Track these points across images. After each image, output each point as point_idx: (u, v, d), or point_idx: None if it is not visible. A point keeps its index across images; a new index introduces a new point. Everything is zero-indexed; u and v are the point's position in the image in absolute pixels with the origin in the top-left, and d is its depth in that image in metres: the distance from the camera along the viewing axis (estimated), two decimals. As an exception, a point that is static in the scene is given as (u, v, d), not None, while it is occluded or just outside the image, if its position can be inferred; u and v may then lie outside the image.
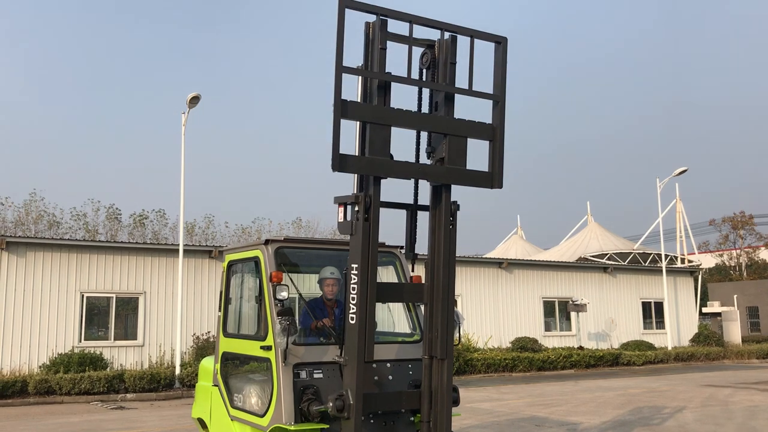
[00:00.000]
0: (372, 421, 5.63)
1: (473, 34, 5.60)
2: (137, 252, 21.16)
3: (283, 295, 5.64)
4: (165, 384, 17.81)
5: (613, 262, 34.33)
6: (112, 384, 17.17)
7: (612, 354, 25.97)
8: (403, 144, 5.79)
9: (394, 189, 5.64)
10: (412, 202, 5.83)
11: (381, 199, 5.36)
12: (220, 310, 6.87)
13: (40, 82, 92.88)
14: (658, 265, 33.51)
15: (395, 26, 5.46)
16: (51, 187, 72.62)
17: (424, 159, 5.80)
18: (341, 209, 5.53)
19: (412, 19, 5.44)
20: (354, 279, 5.33)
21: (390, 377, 5.87)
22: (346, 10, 5.09)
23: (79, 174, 72.04)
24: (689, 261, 41.34)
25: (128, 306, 20.79)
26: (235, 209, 77.68)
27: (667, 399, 15.38)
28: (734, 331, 35.27)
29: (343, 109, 5.08)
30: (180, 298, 19.21)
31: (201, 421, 7.23)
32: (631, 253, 39.87)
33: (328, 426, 5.48)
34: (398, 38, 5.47)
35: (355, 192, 5.45)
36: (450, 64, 5.62)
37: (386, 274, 6.79)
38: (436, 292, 5.59)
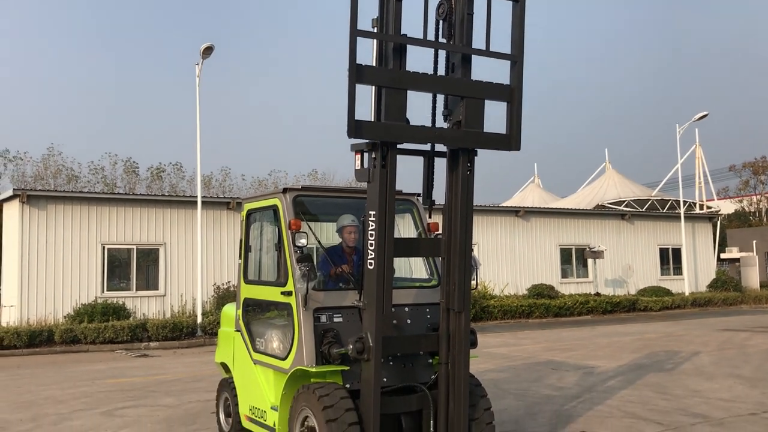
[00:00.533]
0: (391, 363, 5.74)
1: None
2: (156, 204, 21.37)
3: (302, 242, 5.71)
4: (187, 332, 18.18)
5: (631, 209, 34.19)
6: (136, 333, 17.55)
7: (629, 300, 26.07)
8: (419, 105, 5.76)
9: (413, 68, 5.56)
10: (429, 149, 5.82)
11: (398, 146, 5.37)
12: (240, 258, 6.97)
13: (54, 36, 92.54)
14: (677, 211, 33.33)
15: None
16: (68, 141, 73.04)
17: (440, 121, 5.75)
18: (358, 157, 5.54)
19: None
20: (372, 226, 5.38)
21: (408, 321, 5.96)
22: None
23: (96, 128, 72.27)
24: (708, 207, 41.09)
25: (149, 257, 21.09)
26: (252, 162, 77.83)
27: (683, 343, 15.50)
28: (752, 277, 35.24)
29: (358, 74, 5.02)
30: (200, 249, 19.45)
31: (224, 366, 7.41)
32: (650, 199, 39.66)
33: (348, 368, 5.60)
34: None
35: (375, 65, 5.41)
36: (467, 15, 5.49)
37: (404, 224, 6.83)
38: (454, 246, 5.63)
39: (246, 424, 6.69)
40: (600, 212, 31.58)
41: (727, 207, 54.57)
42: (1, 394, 10.53)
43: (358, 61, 5.01)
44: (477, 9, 5.52)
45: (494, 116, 5.73)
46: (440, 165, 5.82)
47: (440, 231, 6.05)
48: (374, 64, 5.42)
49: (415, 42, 5.39)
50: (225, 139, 72.47)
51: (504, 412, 8.30)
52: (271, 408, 6.13)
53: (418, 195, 6.62)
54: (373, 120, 5.27)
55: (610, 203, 39.37)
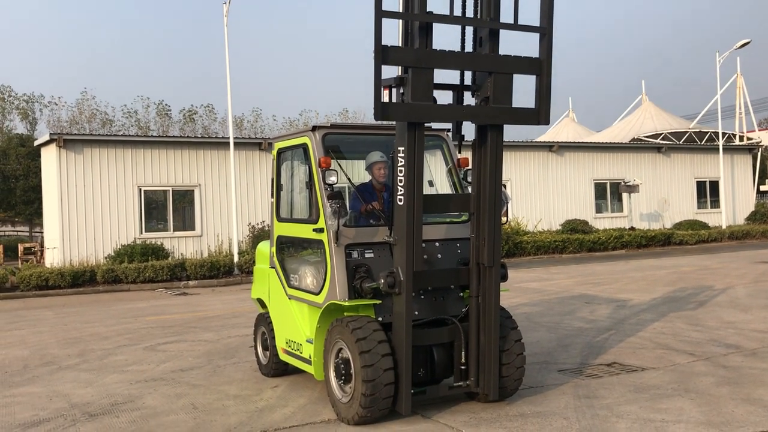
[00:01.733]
0: (422, 297, 5.84)
1: None
2: (190, 146, 21.58)
3: (332, 179, 5.76)
4: (224, 271, 18.58)
5: (668, 142, 33.55)
6: (174, 272, 18.00)
7: (664, 234, 25.85)
8: (447, 76, 5.67)
9: (439, 43, 5.55)
10: (458, 82, 5.77)
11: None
12: (272, 197, 7.06)
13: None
14: (715, 143, 32.62)
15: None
16: (101, 85, 73.49)
17: (467, 96, 5.70)
18: (386, 92, 5.51)
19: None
20: (401, 162, 5.40)
21: (439, 255, 6.03)
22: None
23: (128, 72, 72.50)
24: (748, 138, 40.12)
25: (185, 198, 21.43)
26: (283, 102, 77.65)
27: (719, 276, 15.40)
28: (792, 209, 34.52)
29: (384, 55, 4.99)
30: (234, 190, 19.68)
31: (260, 301, 7.60)
32: (687, 132, 38.85)
33: (380, 302, 5.71)
34: None
35: (400, 74, 5.42)
36: None
37: (434, 161, 6.82)
38: (483, 203, 5.63)
39: (283, 356, 6.90)
40: (635, 146, 31.06)
41: (768, 138, 53.13)
42: (50, 331, 10.96)
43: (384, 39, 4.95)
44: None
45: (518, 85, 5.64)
46: (468, 98, 5.78)
47: (470, 166, 6.05)
48: (400, 43, 5.33)
49: (442, 19, 5.31)
50: (255, 81, 72.26)
51: (536, 344, 8.42)
52: (307, 341, 6.31)
53: (448, 130, 6.60)
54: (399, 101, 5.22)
55: (647, 136, 38.66)
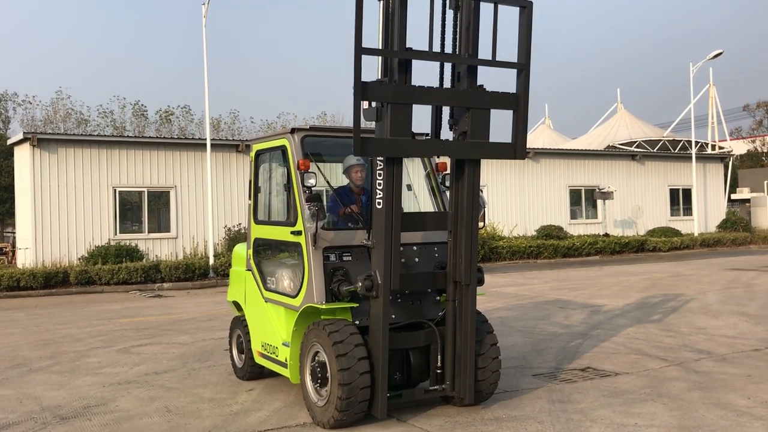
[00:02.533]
0: (399, 300, 5.85)
1: (497, 0, 5.47)
2: (166, 147, 21.41)
3: (311, 182, 5.75)
4: (199, 273, 18.44)
5: (642, 150, 33.96)
6: (149, 274, 17.83)
7: (637, 240, 26.15)
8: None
9: (419, 74, 5.61)
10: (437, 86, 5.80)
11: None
12: (250, 199, 7.03)
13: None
14: (688, 152, 33.08)
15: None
16: (76, 84, 72.68)
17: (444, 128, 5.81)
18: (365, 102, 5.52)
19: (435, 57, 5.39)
20: (380, 165, 5.41)
21: (416, 259, 6.05)
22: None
23: (103, 71, 71.77)
24: (720, 147, 40.77)
25: (160, 200, 21.26)
26: (260, 105, 77.37)
27: (690, 282, 15.61)
28: (763, 217, 35.18)
29: (363, 92, 5.07)
30: (210, 191, 19.56)
31: (236, 304, 7.56)
32: (661, 140, 39.40)
33: (357, 305, 5.71)
34: None
35: (380, 78, 5.44)
36: (473, 22, 5.46)
37: (412, 166, 6.84)
38: (460, 220, 5.68)
39: (258, 359, 6.87)
40: (610, 153, 31.40)
41: (740, 147, 54.06)
42: (21, 333, 10.80)
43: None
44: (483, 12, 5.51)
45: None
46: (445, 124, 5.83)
47: (447, 171, 6.09)
48: (379, 76, 5.40)
49: (421, 56, 5.40)
50: (233, 82, 71.94)
51: (511, 349, 8.47)
52: (283, 344, 6.29)
53: (427, 135, 6.63)
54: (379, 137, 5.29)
55: (621, 144, 39.12)
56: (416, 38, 5.38)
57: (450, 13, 5.61)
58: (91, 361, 8.50)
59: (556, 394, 6.45)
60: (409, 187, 6.83)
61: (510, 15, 5.68)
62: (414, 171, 6.90)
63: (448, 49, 5.66)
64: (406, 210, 5.91)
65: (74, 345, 9.62)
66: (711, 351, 8.20)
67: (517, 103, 5.64)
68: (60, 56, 76.21)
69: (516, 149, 5.68)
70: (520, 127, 5.67)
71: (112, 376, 7.65)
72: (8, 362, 8.56)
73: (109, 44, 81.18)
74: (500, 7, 5.53)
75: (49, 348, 9.43)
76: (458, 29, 5.58)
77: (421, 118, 5.81)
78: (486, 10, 5.56)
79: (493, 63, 5.55)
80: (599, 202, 28.73)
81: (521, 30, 5.58)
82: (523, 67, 5.60)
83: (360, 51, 5.00)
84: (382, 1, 5.33)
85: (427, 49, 5.57)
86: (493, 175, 26.37)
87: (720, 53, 29.29)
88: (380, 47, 5.39)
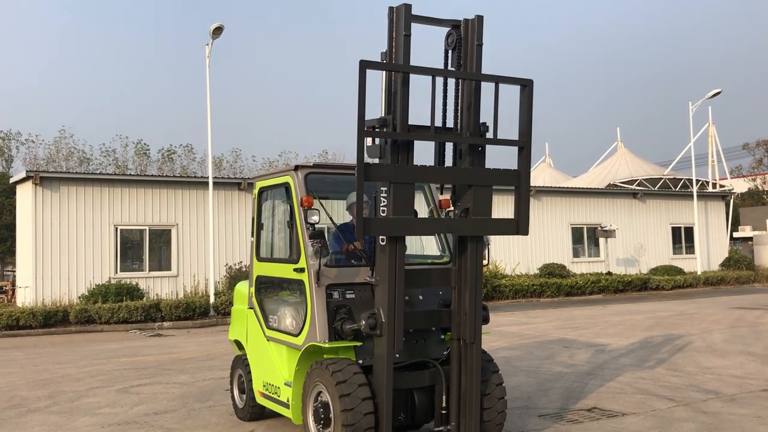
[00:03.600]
0: (403, 339, 5.76)
1: (497, 80, 5.56)
2: (168, 185, 21.46)
3: (315, 219, 5.72)
4: (200, 312, 18.31)
5: (643, 188, 34.01)
6: (149, 313, 17.70)
7: (640, 279, 26.01)
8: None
9: (420, 106, 5.61)
10: (440, 124, 5.81)
11: (409, 122, 5.36)
12: (252, 236, 7.00)
13: (65, 18, 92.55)
14: (689, 190, 33.14)
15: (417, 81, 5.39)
16: (79, 124, 73.25)
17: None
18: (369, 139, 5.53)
19: (434, 73, 5.45)
20: (383, 202, 5.39)
21: (420, 297, 5.98)
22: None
23: (107, 110, 72.42)
24: (721, 186, 40.84)
25: (161, 238, 21.22)
26: (262, 144, 77.87)
27: (695, 321, 15.48)
28: (765, 255, 35.03)
29: (366, 173, 5.12)
30: (212, 230, 19.53)
31: (238, 343, 7.48)
32: (662, 178, 39.49)
33: (361, 344, 5.63)
34: (423, 20, 5.41)
35: (383, 115, 5.45)
36: (474, 101, 5.54)
37: (415, 201, 6.82)
38: (464, 275, 5.65)
39: (260, 400, 6.76)
40: (611, 191, 31.43)
41: (741, 185, 54.18)
42: (19, 372, 10.67)
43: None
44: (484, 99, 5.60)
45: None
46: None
47: (451, 207, 6.06)
48: (382, 114, 5.42)
49: (423, 137, 5.46)
50: (235, 121, 72.50)
51: (516, 389, 8.34)
52: (285, 384, 6.19)
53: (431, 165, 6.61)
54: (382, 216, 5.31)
55: (622, 182, 39.21)
56: (418, 109, 5.46)
57: (452, 90, 5.65)
58: (90, 401, 8.38)
59: (563, 435, 6.33)
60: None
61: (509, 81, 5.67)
62: (418, 205, 6.87)
63: (449, 119, 5.71)
64: (409, 251, 5.85)
65: (73, 385, 9.49)
66: (719, 391, 8.07)
67: (519, 179, 5.69)
68: (63, 95, 76.99)
69: (519, 225, 5.72)
70: (522, 203, 5.72)
71: (112, 416, 7.52)
72: (6, 402, 8.43)
73: (113, 84, 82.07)
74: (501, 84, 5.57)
75: (48, 388, 9.31)
76: (460, 107, 5.65)
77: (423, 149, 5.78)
78: (486, 87, 5.61)
79: (495, 141, 5.63)
80: (601, 240, 28.67)
81: (522, 108, 5.66)
82: (524, 144, 5.67)
83: (363, 133, 5.07)
84: (384, 79, 5.37)
85: (428, 124, 5.60)
86: (495, 213, 26.22)
87: (719, 92, 29.51)
88: (383, 113, 5.40)
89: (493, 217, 5.67)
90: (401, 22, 5.24)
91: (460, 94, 5.64)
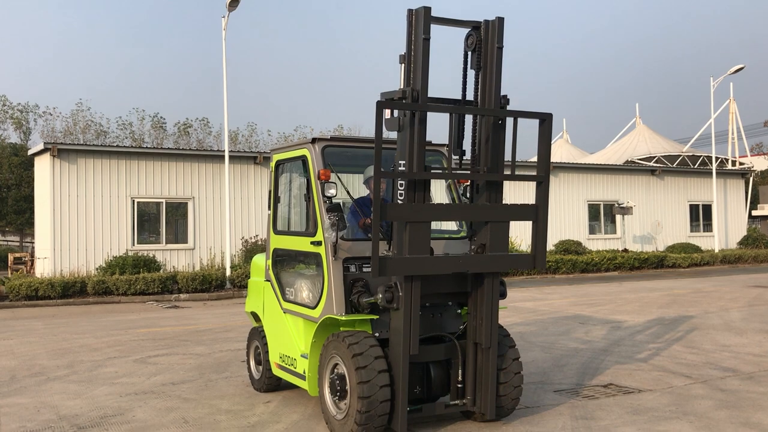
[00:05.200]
0: (420, 313, 5.76)
1: (517, 115, 5.52)
2: (184, 158, 21.51)
3: (332, 192, 5.69)
4: (216, 285, 18.43)
5: (661, 165, 33.69)
6: (166, 285, 17.84)
7: (657, 256, 25.86)
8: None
9: (441, 84, 5.56)
10: (460, 97, 5.74)
11: (428, 95, 5.30)
12: (269, 209, 6.99)
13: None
14: (708, 167, 32.77)
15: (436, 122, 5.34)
16: (96, 97, 73.45)
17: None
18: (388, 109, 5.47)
19: (452, 110, 5.50)
20: (401, 189, 5.34)
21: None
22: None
23: (123, 83, 72.52)
24: (741, 163, 40.34)
25: (177, 211, 21.32)
26: (278, 118, 77.75)
27: (712, 299, 15.38)
28: (784, 234, 34.66)
29: (382, 212, 5.10)
30: (228, 203, 19.59)
31: (254, 315, 7.51)
32: (680, 155, 39.06)
33: (377, 317, 5.63)
34: (443, 21, 5.35)
35: (402, 87, 5.38)
36: (492, 143, 5.51)
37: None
38: (479, 311, 5.60)
39: (276, 371, 6.80)
40: (629, 168, 31.15)
41: (761, 163, 53.51)
42: (39, 342, 10.81)
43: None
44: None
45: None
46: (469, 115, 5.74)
47: (468, 183, 6.02)
48: (401, 85, 5.38)
49: (440, 176, 5.61)
50: (251, 96, 72.39)
51: (531, 364, 8.34)
52: (301, 356, 6.21)
53: (448, 146, 6.56)
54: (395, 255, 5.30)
55: (640, 159, 38.84)
56: (436, 132, 5.40)
57: (474, 38, 5.54)
58: (108, 370, 8.47)
59: (579, 410, 6.32)
60: (429, 199, 6.76)
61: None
62: (434, 181, 6.82)
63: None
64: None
65: (91, 354, 9.60)
66: (737, 369, 8.02)
67: (537, 214, 5.65)
68: (80, 69, 77.14)
69: (536, 260, 5.69)
70: (540, 237, 5.67)
71: (129, 386, 7.60)
72: (26, 371, 8.55)
73: (129, 57, 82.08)
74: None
75: (67, 357, 9.42)
76: (477, 140, 5.60)
77: (438, 125, 5.74)
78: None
79: (514, 177, 5.60)
80: (618, 217, 28.48)
81: (541, 142, 5.62)
82: (542, 179, 5.64)
83: (379, 174, 5.06)
84: (399, 118, 5.31)
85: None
86: (512, 189, 26.21)
87: (741, 68, 29.04)
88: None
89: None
90: (420, 25, 5.17)
91: (478, 127, 5.60)
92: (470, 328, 5.72)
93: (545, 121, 5.55)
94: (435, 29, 5.26)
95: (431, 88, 5.27)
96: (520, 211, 5.69)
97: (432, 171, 5.99)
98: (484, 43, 5.48)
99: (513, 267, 5.73)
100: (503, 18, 5.48)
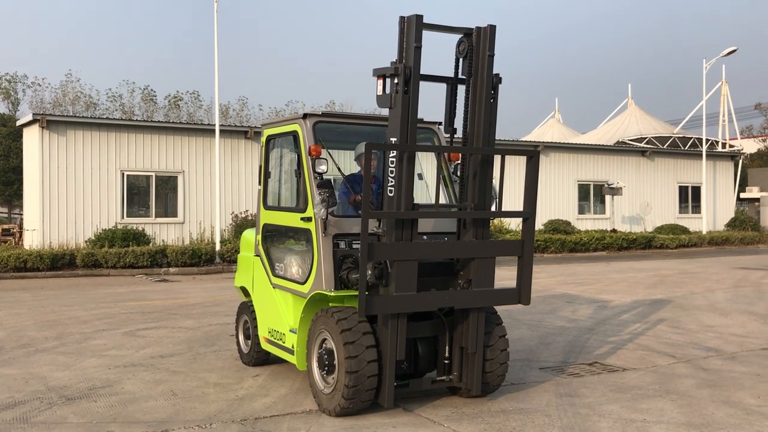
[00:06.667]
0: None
1: (505, 152, 5.63)
2: (174, 132, 21.39)
3: (322, 168, 5.70)
4: (206, 259, 18.44)
5: (652, 146, 33.78)
6: (155, 258, 17.83)
7: (645, 237, 26.02)
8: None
9: (434, 61, 5.56)
10: (452, 75, 5.74)
11: (421, 72, 5.29)
12: (260, 184, 6.98)
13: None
14: (698, 149, 32.90)
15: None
16: (86, 68, 72.68)
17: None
18: (380, 82, 5.47)
19: (439, 150, 5.69)
20: (392, 153, 5.35)
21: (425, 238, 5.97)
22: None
23: (113, 55, 71.75)
24: (731, 146, 40.50)
25: (167, 185, 21.24)
26: (269, 92, 77.24)
27: (699, 280, 15.53)
28: (771, 217, 34.94)
29: (369, 253, 5.08)
30: (218, 177, 19.52)
31: (244, 290, 7.53)
32: (671, 137, 39.14)
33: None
34: (435, 28, 5.36)
35: (395, 64, 5.37)
36: (480, 179, 5.53)
37: (424, 154, 6.77)
38: (466, 345, 5.68)
39: (265, 345, 6.85)
40: (620, 149, 31.24)
41: (750, 146, 53.73)
42: (27, 313, 10.81)
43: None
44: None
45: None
46: (462, 91, 5.74)
47: (459, 161, 6.03)
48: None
49: (428, 214, 5.56)
50: (242, 70, 71.80)
51: (518, 342, 8.42)
52: (290, 331, 6.25)
53: (440, 123, 6.57)
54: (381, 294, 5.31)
55: (631, 140, 38.91)
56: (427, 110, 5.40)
57: (465, 44, 5.54)
58: (97, 343, 8.50)
59: (564, 387, 6.41)
60: (420, 176, 6.77)
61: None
62: (425, 159, 6.84)
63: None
64: (416, 201, 5.85)
65: (80, 327, 9.62)
66: (720, 349, 8.14)
67: (522, 249, 5.69)
68: (70, 39, 76.24)
69: (521, 295, 5.74)
70: (525, 272, 5.72)
71: (118, 358, 7.64)
72: (14, 342, 8.56)
73: (120, 28, 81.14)
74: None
75: (56, 329, 9.44)
76: (466, 176, 5.61)
77: (430, 102, 5.73)
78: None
79: (500, 214, 5.66)
80: (607, 197, 28.61)
81: (528, 178, 5.66)
82: (528, 215, 5.69)
83: (368, 215, 5.05)
84: (391, 95, 5.29)
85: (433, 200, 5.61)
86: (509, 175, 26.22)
87: (734, 50, 29.05)
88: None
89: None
90: (412, 33, 5.16)
91: (466, 164, 5.61)
92: (456, 333, 5.77)
93: (533, 158, 5.62)
94: (427, 34, 5.27)
95: (422, 93, 5.28)
96: (507, 247, 5.83)
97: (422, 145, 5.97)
98: (476, 50, 5.49)
99: (498, 303, 5.78)
100: (495, 26, 5.48)
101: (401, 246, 5.27)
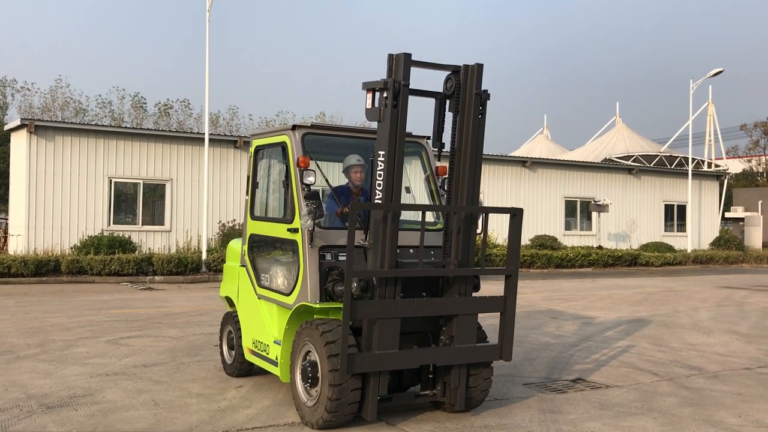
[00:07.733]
0: (395, 302, 5.79)
1: (488, 211, 5.69)
2: (164, 139, 21.35)
3: (310, 179, 5.71)
4: (192, 268, 18.36)
5: (639, 164, 34.03)
6: (141, 266, 17.73)
7: (631, 254, 26.17)
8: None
9: (423, 74, 5.57)
10: (441, 90, 5.77)
11: (410, 86, 5.33)
12: (247, 194, 6.98)
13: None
14: (684, 168, 33.18)
15: None
16: (76, 74, 72.47)
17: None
18: (369, 95, 5.50)
19: (423, 209, 5.62)
20: (380, 166, 5.37)
21: (411, 251, 5.98)
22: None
23: (104, 62, 71.60)
24: (716, 165, 40.87)
25: (155, 192, 21.17)
26: (260, 102, 77.28)
27: (682, 298, 15.62)
28: (756, 236, 35.28)
29: (352, 311, 5.11)
30: (206, 186, 19.48)
31: (229, 300, 7.51)
32: (658, 155, 39.46)
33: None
34: (423, 65, 5.41)
35: (385, 78, 5.40)
36: (463, 236, 5.58)
37: (411, 169, 6.80)
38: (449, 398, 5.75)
39: (249, 356, 6.82)
40: (607, 166, 31.45)
41: (736, 166, 54.28)
42: (9, 320, 10.72)
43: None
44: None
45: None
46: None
47: (447, 175, 6.05)
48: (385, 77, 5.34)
49: (412, 272, 5.45)
50: (233, 79, 71.85)
51: (502, 357, 8.42)
52: (274, 342, 6.24)
53: (428, 137, 6.60)
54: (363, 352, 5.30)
55: (618, 157, 39.19)
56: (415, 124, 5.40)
57: (453, 82, 5.58)
58: (79, 350, 8.43)
59: (547, 404, 6.42)
60: (408, 190, 6.79)
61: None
62: (413, 172, 6.86)
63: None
64: (403, 216, 5.87)
65: (63, 334, 9.55)
66: (702, 368, 8.18)
67: (505, 305, 5.74)
68: (61, 44, 76.06)
69: (503, 351, 5.78)
70: (507, 328, 5.76)
71: (100, 366, 7.58)
72: (-5, 348, 8.48)
73: (111, 35, 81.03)
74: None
75: (38, 336, 9.36)
76: (450, 233, 5.64)
77: (419, 114, 5.75)
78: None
79: (483, 271, 5.68)
80: (594, 214, 28.77)
81: (511, 236, 5.71)
82: (512, 272, 5.73)
83: (351, 273, 5.07)
84: (380, 108, 5.32)
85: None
86: (490, 183, 26.34)
87: (720, 71, 29.38)
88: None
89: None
90: (400, 71, 5.22)
91: (450, 220, 5.64)
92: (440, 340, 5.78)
93: (516, 216, 5.66)
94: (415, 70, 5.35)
95: (410, 107, 5.32)
96: (489, 303, 5.78)
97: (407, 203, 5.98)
98: (463, 87, 5.54)
99: (479, 359, 5.78)
100: (482, 64, 5.54)
101: (384, 304, 5.28)
